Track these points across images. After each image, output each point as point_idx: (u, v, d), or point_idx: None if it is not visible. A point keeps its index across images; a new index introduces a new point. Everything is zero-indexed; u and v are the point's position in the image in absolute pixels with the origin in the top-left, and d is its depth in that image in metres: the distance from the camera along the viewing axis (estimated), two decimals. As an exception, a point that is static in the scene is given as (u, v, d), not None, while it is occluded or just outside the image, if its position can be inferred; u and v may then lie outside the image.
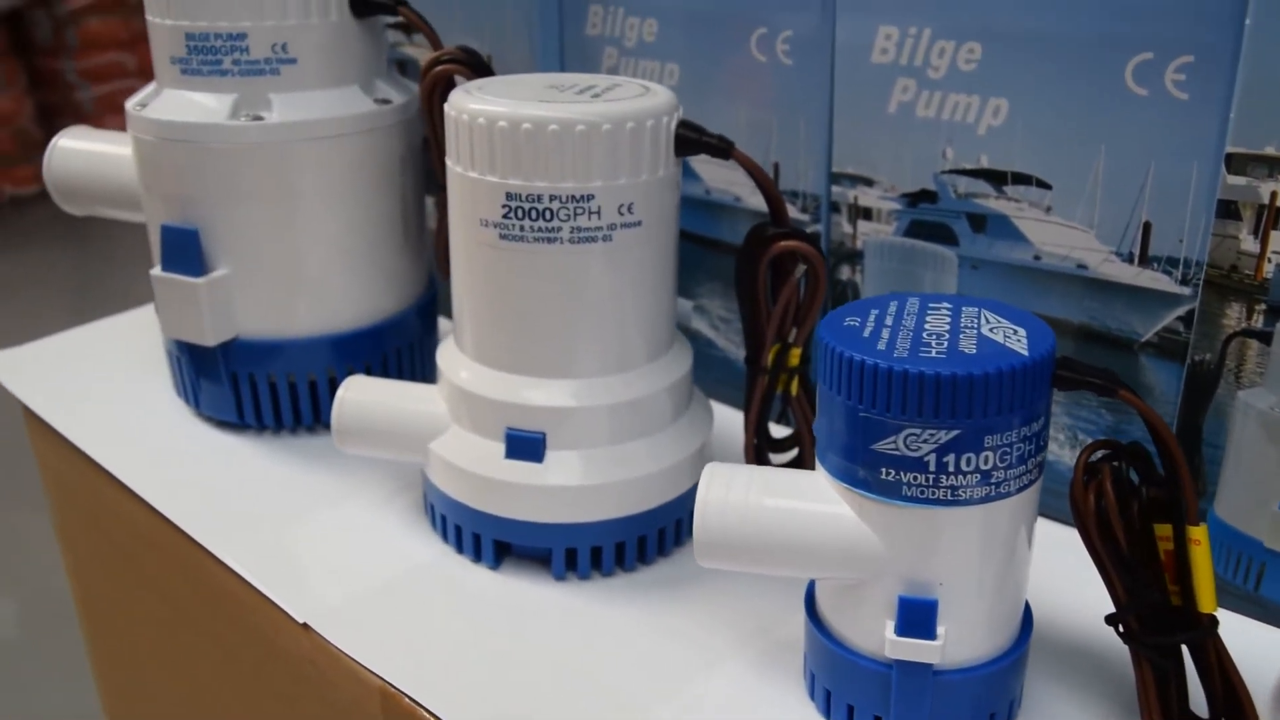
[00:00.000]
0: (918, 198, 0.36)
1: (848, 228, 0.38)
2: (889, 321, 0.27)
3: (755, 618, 0.33)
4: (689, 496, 0.35)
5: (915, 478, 0.25)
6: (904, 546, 0.26)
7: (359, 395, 0.36)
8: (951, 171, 0.35)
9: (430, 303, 0.45)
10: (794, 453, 0.38)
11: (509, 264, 0.32)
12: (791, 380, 0.35)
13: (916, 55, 0.34)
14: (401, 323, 0.43)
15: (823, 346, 0.26)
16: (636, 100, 0.31)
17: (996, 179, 0.34)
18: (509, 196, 0.31)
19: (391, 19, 0.43)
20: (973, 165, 0.35)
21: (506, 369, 0.33)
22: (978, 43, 0.33)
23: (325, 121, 0.38)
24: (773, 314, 0.34)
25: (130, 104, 0.40)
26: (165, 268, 0.40)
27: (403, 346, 0.43)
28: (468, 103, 0.31)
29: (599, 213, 0.31)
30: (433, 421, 0.35)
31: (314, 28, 0.38)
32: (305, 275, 0.40)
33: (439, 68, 0.37)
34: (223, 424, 0.43)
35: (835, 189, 0.38)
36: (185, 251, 0.39)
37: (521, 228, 0.31)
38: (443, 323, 0.49)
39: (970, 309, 0.27)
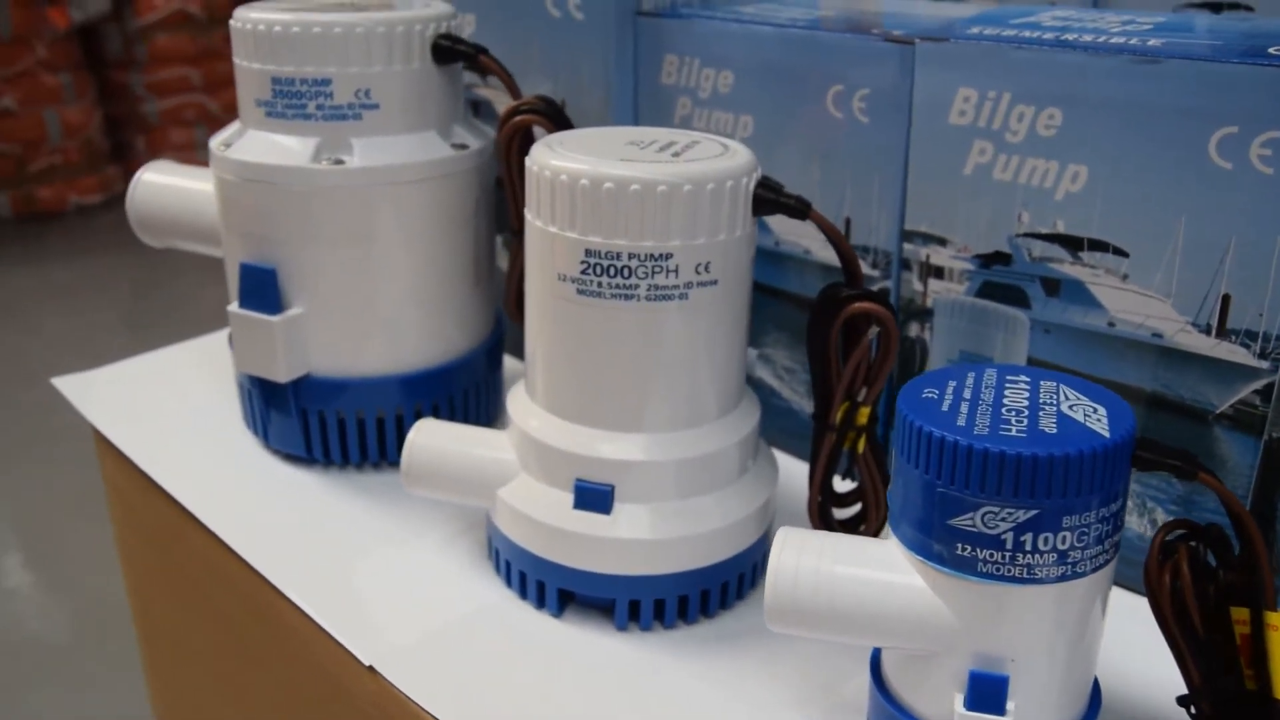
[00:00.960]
0: (991, 259, 0.36)
1: (918, 285, 0.38)
2: (967, 395, 0.27)
3: (817, 676, 0.33)
4: (753, 550, 0.36)
5: (991, 555, 0.25)
6: (976, 622, 0.26)
7: (429, 439, 0.36)
8: (1026, 235, 0.35)
9: (498, 343, 0.45)
10: (857, 507, 0.38)
11: (585, 319, 0.32)
12: (859, 438, 0.35)
13: (995, 118, 0.34)
14: (470, 363, 0.44)
15: (902, 419, 0.26)
16: (716, 160, 0.32)
17: (1072, 244, 0.34)
18: (588, 253, 0.31)
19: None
20: (1048, 230, 0.34)
21: (578, 420, 0.34)
22: (1058, 109, 0.33)
23: (405, 166, 0.39)
24: (843, 373, 0.34)
25: (214, 143, 0.41)
26: (242, 304, 0.41)
27: (470, 387, 0.44)
28: (550, 159, 0.32)
29: (676, 271, 0.31)
30: (502, 468, 0.35)
31: (396, 74, 0.39)
32: (378, 315, 0.41)
33: (518, 118, 0.38)
34: (291, 458, 0.44)
35: (907, 246, 0.38)
36: (262, 290, 0.40)
37: (599, 284, 0.32)
38: (509, 362, 0.49)
39: (1049, 384, 0.27)
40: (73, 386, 0.51)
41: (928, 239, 0.38)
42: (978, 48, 0.34)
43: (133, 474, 0.45)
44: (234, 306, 0.41)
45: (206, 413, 0.48)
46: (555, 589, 0.35)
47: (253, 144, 0.40)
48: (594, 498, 0.33)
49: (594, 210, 0.31)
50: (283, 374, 0.41)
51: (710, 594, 0.35)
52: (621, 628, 0.35)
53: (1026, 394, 0.27)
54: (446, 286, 0.42)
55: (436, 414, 0.43)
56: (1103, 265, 0.34)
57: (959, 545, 0.25)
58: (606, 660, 0.33)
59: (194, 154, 2.35)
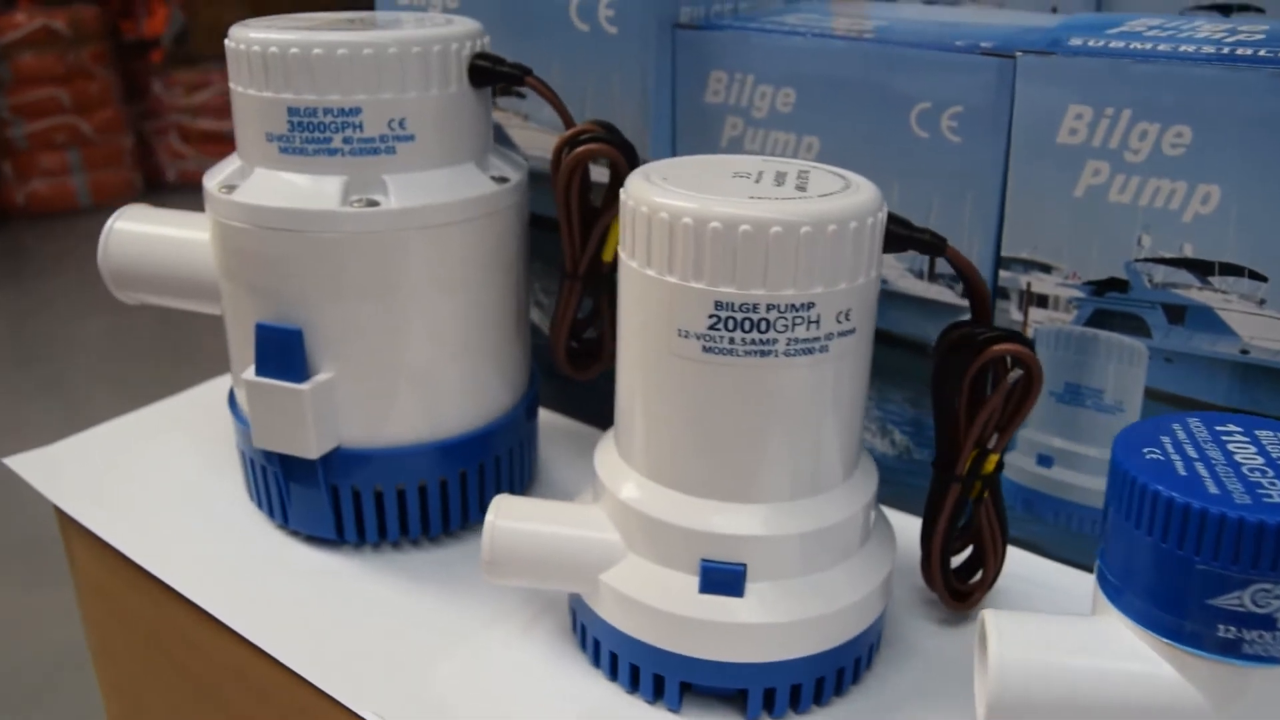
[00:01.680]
0: (1105, 286, 0.34)
1: (1017, 315, 0.36)
2: (1192, 452, 0.24)
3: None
4: (879, 620, 0.32)
5: (1260, 636, 0.22)
6: (1241, 710, 0.23)
7: (514, 522, 0.31)
8: (1147, 260, 0.33)
9: (536, 397, 0.41)
10: (969, 552, 0.35)
11: (712, 379, 0.28)
12: (984, 488, 0.33)
13: (1113, 137, 0.32)
14: (513, 422, 0.39)
15: (1138, 487, 0.23)
16: (847, 195, 0.28)
17: (1202, 269, 0.32)
18: (719, 305, 0.28)
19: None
20: (1173, 254, 0.32)
21: (700, 492, 0.30)
22: (1187, 126, 0.31)
23: (446, 206, 0.34)
24: (976, 420, 0.31)
25: (213, 185, 0.35)
26: (261, 372, 0.35)
27: (514, 445, 0.39)
28: (662, 197, 0.28)
29: (818, 322, 0.28)
30: (604, 550, 0.31)
31: (433, 100, 0.34)
32: (417, 375, 0.36)
33: (582, 148, 0.34)
34: (314, 540, 0.39)
35: (1004, 274, 0.36)
36: (286, 354, 0.35)
37: (731, 340, 0.28)
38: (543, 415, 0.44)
39: (1267, 433, 0.25)
40: (32, 466, 0.43)
41: (1029, 265, 0.35)
42: (1093, 62, 0.32)
43: (119, 567, 0.39)
44: (250, 374, 0.35)
45: (198, 490, 0.42)
46: (677, 682, 0.31)
47: (265, 185, 0.34)
48: (724, 579, 0.30)
49: (727, 257, 0.27)
50: (314, 449, 0.35)
51: (845, 671, 0.32)
52: (754, 718, 0.31)
53: (1253, 448, 0.24)
54: (490, 338, 0.37)
55: (481, 477, 0.38)
56: (1236, 290, 0.32)
57: (1221, 627, 0.23)
58: (744, 759, 0.30)
59: (68, 179, 2.17)
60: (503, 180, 0.36)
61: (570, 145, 0.34)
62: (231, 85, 0.35)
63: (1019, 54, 0.33)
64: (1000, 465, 0.33)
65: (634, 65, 0.40)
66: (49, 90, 2.06)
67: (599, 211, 0.36)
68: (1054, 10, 0.56)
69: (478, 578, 0.37)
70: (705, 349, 0.28)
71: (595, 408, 0.46)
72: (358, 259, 0.34)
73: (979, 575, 0.35)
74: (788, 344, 0.28)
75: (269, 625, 0.34)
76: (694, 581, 0.30)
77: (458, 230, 0.35)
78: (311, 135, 0.33)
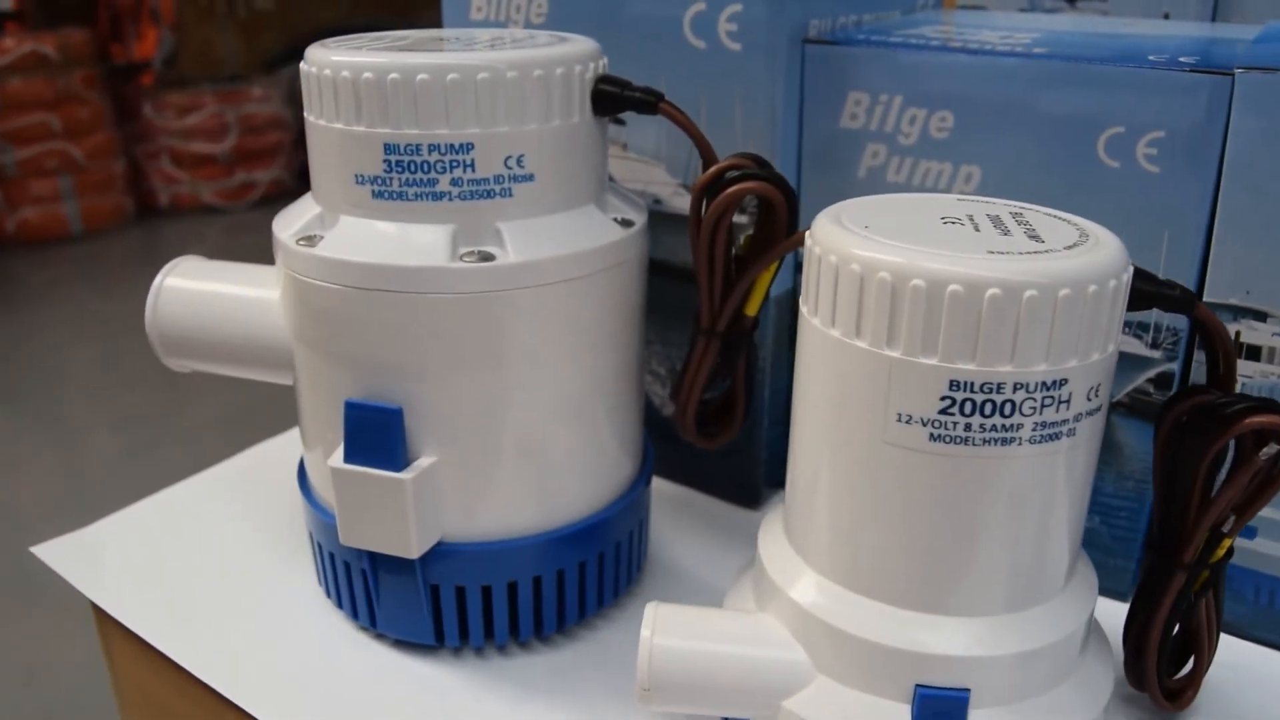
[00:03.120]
0: (1340, 337, 0.29)
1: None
2: None
3: None
4: (1104, 736, 0.28)
5: None
6: None
7: (676, 639, 0.26)
8: (1399, 308, 0.28)
9: (650, 472, 0.35)
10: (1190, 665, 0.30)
11: (938, 474, 0.23)
12: (1210, 577, 0.28)
13: (1362, 167, 0.28)
14: (634, 501, 0.34)
15: None
16: (1095, 248, 0.23)
17: None
18: (954, 386, 0.23)
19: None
20: None
21: (910, 604, 0.25)
22: None
23: (573, 258, 0.29)
24: (1216, 503, 0.27)
25: (286, 235, 0.30)
26: (353, 459, 0.29)
27: (634, 527, 0.34)
28: (874, 252, 0.23)
29: (1068, 402, 0.23)
30: (787, 671, 0.26)
31: (554, 133, 0.29)
32: (534, 455, 0.30)
33: (737, 187, 0.29)
34: (403, 643, 0.33)
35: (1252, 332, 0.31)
36: (384, 437, 0.29)
37: (967, 427, 0.23)
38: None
39: None
40: (61, 554, 0.38)
41: (1239, 313, 0.31)
42: (1341, 79, 0.27)
43: (170, 674, 0.33)
44: (338, 461, 0.30)
45: (261, 582, 0.36)
46: (880, 828, 0.26)
47: (356, 237, 0.29)
48: (945, 708, 0.24)
49: (968, 327, 0.22)
50: (416, 547, 0.30)
51: (1071, 803, 0.27)
52: None
53: None
54: (613, 407, 0.32)
55: (601, 566, 0.33)
56: None
57: None
58: None
59: (59, 206, 2.09)
60: (627, 224, 0.31)
61: (716, 183, 0.29)
62: (309, 117, 0.30)
63: (1238, 71, 0.29)
64: (1230, 551, 0.28)
65: (760, 86, 0.35)
66: (39, 116, 1.99)
67: (741, 258, 0.31)
68: (1166, 16, 0.51)
69: (601, 685, 0.32)
70: (933, 437, 0.23)
71: (697, 469, 0.41)
72: (471, 323, 0.28)
73: (1188, 668, 0.31)
74: (1034, 429, 0.23)
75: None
76: (904, 710, 0.25)
77: (584, 285, 0.30)
78: (414, 177, 0.28)
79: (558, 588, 0.32)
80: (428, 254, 0.28)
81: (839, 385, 0.24)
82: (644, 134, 0.38)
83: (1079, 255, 0.23)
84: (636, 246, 0.31)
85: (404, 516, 0.29)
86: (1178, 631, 0.30)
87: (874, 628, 0.25)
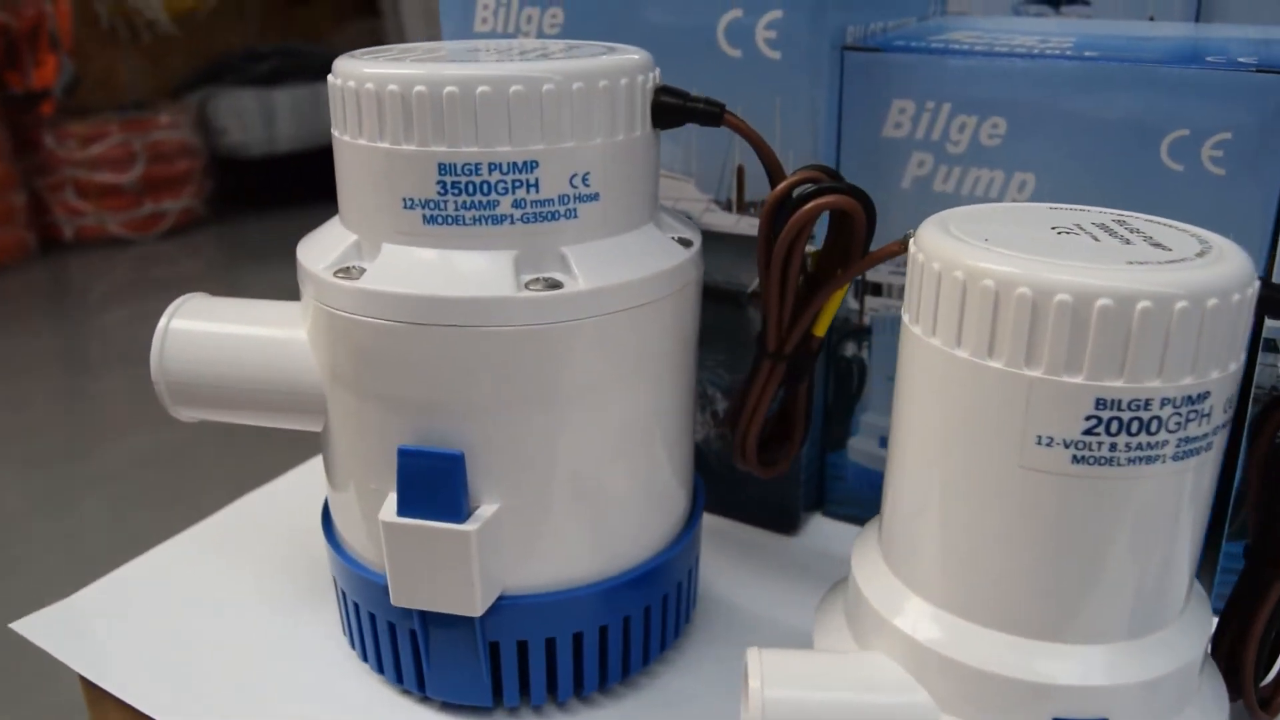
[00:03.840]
0: None
1: (1294, 371, 0.31)
2: None
3: None
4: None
5: None
6: None
7: (789, 690, 0.24)
8: None
9: (702, 507, 0.33)
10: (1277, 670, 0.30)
11: (1080, 496, 0.22)
12: (1314, 584, 0.27)
13: None
14: (692, 541, 0.32)
15: None
16: (1224, 256, 0.22)
17: None
18: (1100, 404, 0.21)
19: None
20: None
21: (1042, 634, 0.23)
22: None
23: (644, 282, 0.27)
24: (1327, 509, 0.26)
25: (320, 268, 0.27)
26: (408, 511, 0.27)
27: (692, 566, 0.32)
28: (1007, 266, 0.21)
29: (1209, 415, 0.22)
30: (909, 715, 0.24)
31: (618, 148, 0.27)
32: (599, 496, 0.28)
33: (818, 201, 0.27)
34: (450, 706, 0.30)
35: (1272, 324, 0.31)
36: (445, 485, 0.26)
37: (1113, 446, 0.21)
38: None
39: None
40: (42, 629, 0.34)
41: (1309, 313, 0.30)
42: None
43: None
44: (390, 515, 0.27)
45: (278, 645, 0.33)
46: None
47: (406, 266, 0.26)
48: (1085, 744, 0.23)
49: (1115, 343, 0.21)
50: (480, 604, 0.27)
51: (1199, 833, 0.26)
52: None
53: None
54: (675, 441, 0.30)
55: (664, 610, 0.31)
56: None
57: None
58: None
59: None
60: (686, 243, 0.29)
61: (787, 199, 0.28)
62: (342, 137, 0.27)
63: (1310, 69, 0.28)
64: (1334, 558, 0.27)
65: (801, 95, 0.33)
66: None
67: (810, 275, 0.29)
68: (1151, 19, 0.52)
69: (682, 740, 0.29)
70: (1076, 459, 0.22)
71: (730, 497, 0.39)
72: (538, 356, 0.26)
73: (1273, 674, 0.30)
74: (1177, 445, 0.22)
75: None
76: (1038, 748, 0.23)
77: (652, 311, 0.27)
78: (472, 199, 0.26)
79: (624, 636, 0.30)
80: (491, 283, 0.26)
81: (965, 408, 0.23)
82: (671, 148, 0.36)
83: (1214, 263, 0.22)
84: (697, 268, 0.29)
85: (468, 572, 0.27)
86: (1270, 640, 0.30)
87: (1004, 661, 0.23)
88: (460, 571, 0.27)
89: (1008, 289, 0.21)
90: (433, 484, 0.27)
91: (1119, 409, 0.21)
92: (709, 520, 0.40)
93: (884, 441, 0.38)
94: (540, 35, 0.37)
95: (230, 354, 0.29)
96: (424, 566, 0.27)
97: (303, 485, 0.43)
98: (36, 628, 0.34)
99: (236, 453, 1.52)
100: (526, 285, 0.26)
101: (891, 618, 0.25)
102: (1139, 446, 0.22)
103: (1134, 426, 0.21)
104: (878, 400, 0.38)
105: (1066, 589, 0.23)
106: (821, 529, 0.40)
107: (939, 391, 0.23)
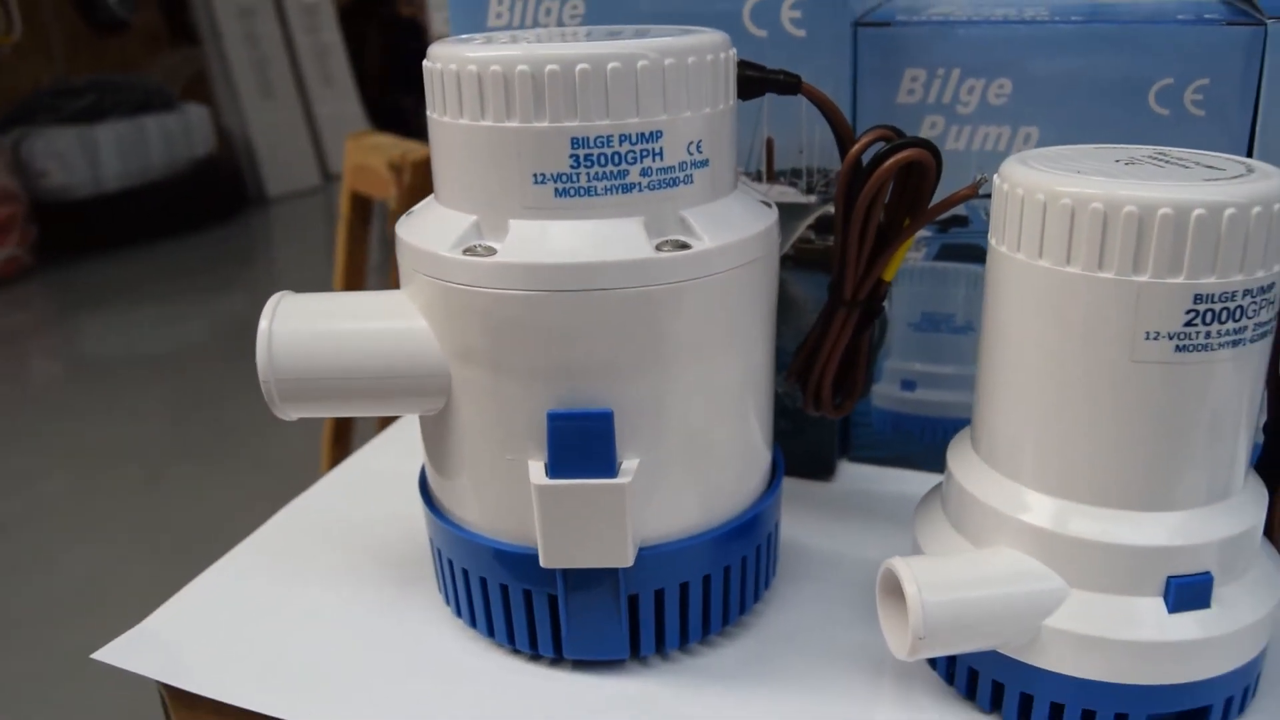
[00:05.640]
0: (1365, 238, 0.35)
1: None
2: None
3: None
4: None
5: None
6: None
7: (942, 593, 0.27)
8: None
9: (783, 465, 0.35)
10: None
11: (1180, 381, 0.26)
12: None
13: (1378, 92, 0.33)
14: (779, 494, 0.34)
15: None
16: (1270, 173, 0.27)
17: None
18: (1198, 299, 0.25)
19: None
20: None
21: (1153, 506, 0.27)
22: None
23: (754, 239, 0.29)
24: (1335, 383, 0.31)
25: (446, 249, 0.28)
26: (560, 472, 0.28)
27: (779, 520, 0.34)
28: (1113, 189, 0.25)
29: (1275, 302, 0.26)
30: (1045, 595, 0.28)
31: (721, 116, 0.29)
32: (722, 448, 0.30)
33: (902, 154, 0.30)
34: (583, 665, 0.32)
35: (1251, 240, 0.36)
36: (596, 444, 0.28)
37: (1207, 334, 0.25)
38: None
39: None
40: (134, 653, 0.33)
41: (1277, 228, 0.35)
42: (1355, 20, 0.33)
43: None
44: (541, 478, 0.28)
45: (384, 636, 0.34)
46: (1144, 717, 0.28)
47: (543, 238, 0.28)
48: (1195, 594, 0.27)
49: (1210, 246, 0.25)
50: (631, 554, 0.29)
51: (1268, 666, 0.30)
52: (1214, 737, 0.29)
53: None
54: (768, 395, 0.32)
55: (765, 556, 0.33)
56: None
57: None
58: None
59: None
60: (769, 205, 0.32)
61: (872, 155, 0.31)
62: (451, 120, 0.28)
63: (1269, 21, 0.33)
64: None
65: (826, 69, 0.36)
66: None
67: (883, 227, 0.32)
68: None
69: (799, 659, 0.32)
70: (1179, 348, 0.26)
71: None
72: (674, 313, 0.28)
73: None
74: (1254, 329, 0.26)
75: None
76: (1158, 602, 0.27)
77: (759, 268, 0.30)
78: (602, 170, 0.27)
79: (740, 579, 0.32)
80: (629, 248, 0.27)
81: (1078, 316, 0.26)
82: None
83: (1265, 178, 0.26)
84: (779, 228, 0.32)
85: (621, 524, 0.28)
86: None
87: (1126, 534, 0.27)
88: (614, 525, 0.28)
89: (1115, 209, 0.25)
90: (585, 443, 0.28)
91: (1212, 301, 0.25)
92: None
93: (907, 385, 0.42)
94: (560, 24, 0.39)
95: (345, 350, 0.30)
96: (577, 525, 0.28)
97: (333, 494, 0.43)
98: (117, 654, 0.33)
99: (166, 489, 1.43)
100: (658, 247, 0.28)
101: (1013, 513, 0.28)
102: (1228, 332, 0.26)
103: (1224, 316, 0.25)
104: (899, 347, 0.41)
105: (1170, 463, 0.27)
106: (849, 473, 0.43)
107: (1045, 304, 0.27)
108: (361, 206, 1.07)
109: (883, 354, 0.41)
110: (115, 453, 1.59)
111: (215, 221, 2.74)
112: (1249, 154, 0.35)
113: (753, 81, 0.31)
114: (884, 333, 0.41)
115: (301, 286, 0.33)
